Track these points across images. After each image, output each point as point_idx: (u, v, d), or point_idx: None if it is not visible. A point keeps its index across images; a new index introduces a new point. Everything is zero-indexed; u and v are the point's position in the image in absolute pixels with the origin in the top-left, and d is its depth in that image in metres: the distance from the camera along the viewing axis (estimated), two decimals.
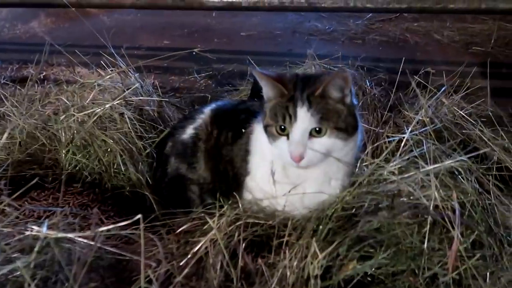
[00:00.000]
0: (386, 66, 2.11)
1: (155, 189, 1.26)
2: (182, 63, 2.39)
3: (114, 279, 0.82)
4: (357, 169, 1.05)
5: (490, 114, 1.44)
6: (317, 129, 0.95)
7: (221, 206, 1.00)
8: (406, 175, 0.96)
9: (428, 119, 1.24)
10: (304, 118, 0.94)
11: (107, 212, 1.21)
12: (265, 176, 1.03)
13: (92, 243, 0.74)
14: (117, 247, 0.89)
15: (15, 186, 1.07)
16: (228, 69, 2.37)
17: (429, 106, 1.32)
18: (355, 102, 1.02)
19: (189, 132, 1.21)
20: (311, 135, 0.95)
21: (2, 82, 1.94)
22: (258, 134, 1.08)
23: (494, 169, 1.16)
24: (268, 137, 1.01)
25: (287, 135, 0.97)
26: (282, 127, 0.97)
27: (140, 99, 1.35)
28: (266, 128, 1.01)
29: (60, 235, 0.70)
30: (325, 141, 0.95)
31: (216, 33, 3.02)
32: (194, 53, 2.52)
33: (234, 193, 1.07)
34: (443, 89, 1.28)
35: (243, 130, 1.12)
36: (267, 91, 1.01)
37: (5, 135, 1.01)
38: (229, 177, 1.12)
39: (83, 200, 1.23)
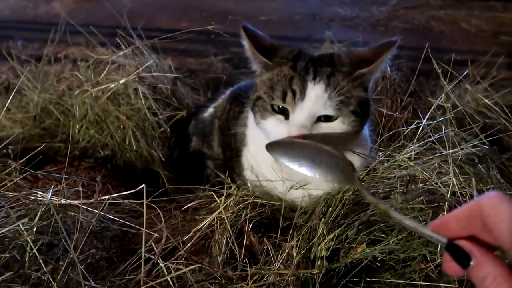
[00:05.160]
0: (408, 54, 2.04)
1: (173, 166, 1.27)
2: (200, 46, 2.38)
3: (118, 250, 0.82)
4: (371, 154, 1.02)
5: None
6: (327, 116, 0.77)
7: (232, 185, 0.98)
8: (421, 161, 0.92)
9: (449, 105, 1.19)
10: (316, 99, 0.75)
11: (118, 187, 1.22)
12: (257, 158, 0.98)
13: (96, 211, 0.73)
14: (124, 219, 0.89)
15: (29, 159, 1.08)
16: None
17: (451, 92, 1.26)
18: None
19: (210, 110, 1.22)
20: (319, 120, 0.78)
21: (22, 59, 1.96)
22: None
23: None
24: (256, 112, 0.84)
25: (286, 116, 0.79)
26: (280, 107, 0.78)
27: (152, 75, 1.33)
28: (255, 102, 0.84)
29: (63, 201, 0.70)
30: (335, 126, 0.79)
31: (235, 17, 2.98)
32: (212, 36, 2.50)
33: (236, 171, 1.05)
34: (464, 73, 1.22)
35: (245, 105, 1.06)
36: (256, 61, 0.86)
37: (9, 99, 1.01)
38: (233, 153, 1.10)
39: (95, 175, 1.23)
